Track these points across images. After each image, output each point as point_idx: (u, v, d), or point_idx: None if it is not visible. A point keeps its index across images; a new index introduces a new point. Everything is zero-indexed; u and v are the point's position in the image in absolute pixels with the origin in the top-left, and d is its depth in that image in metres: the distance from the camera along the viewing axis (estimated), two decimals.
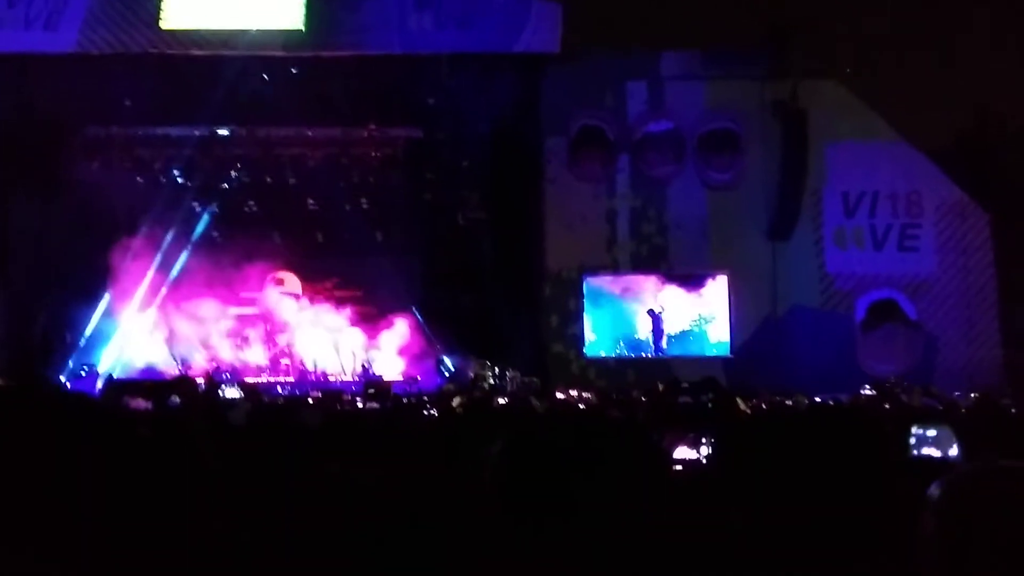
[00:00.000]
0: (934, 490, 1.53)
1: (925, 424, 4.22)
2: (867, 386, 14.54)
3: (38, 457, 1.44)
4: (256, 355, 19.49)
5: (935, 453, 4.24)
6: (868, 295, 18.28)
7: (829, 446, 1.93)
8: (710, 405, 9.71)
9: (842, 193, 18.47)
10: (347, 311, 19.71)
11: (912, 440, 4.20)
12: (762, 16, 19.09)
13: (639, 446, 1.72)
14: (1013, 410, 10.31)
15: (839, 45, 18.20)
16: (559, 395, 13.78)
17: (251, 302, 19.56)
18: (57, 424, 1.48)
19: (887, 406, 11.13)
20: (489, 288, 17.80)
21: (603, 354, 18.53)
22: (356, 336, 19.74)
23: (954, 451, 4.32)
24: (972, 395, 13.11)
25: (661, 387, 13.72)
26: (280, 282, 19.76)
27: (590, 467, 1.77)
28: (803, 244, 18.42)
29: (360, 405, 11.58)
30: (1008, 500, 1.46)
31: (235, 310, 19.45)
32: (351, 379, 18.60)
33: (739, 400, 10.09)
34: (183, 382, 14.10)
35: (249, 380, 17.74)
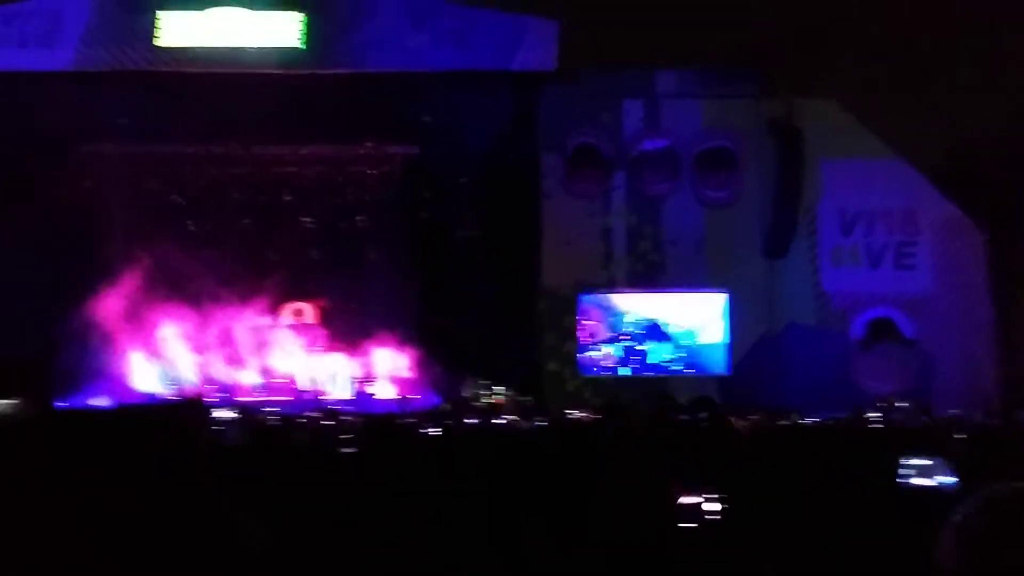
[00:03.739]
0: (956, 517, 1.50)
1: (915, 454, 4.13)
2: (860, 406, 14.40)
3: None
4: (249, 375, 19.36)
5: (926, 483, 4.15)
6: (865, 313, 18.25)
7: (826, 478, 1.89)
8: (703, 425, 9.61)
9: (838, 211, 18.48)
10: (341, 330, 19.61)
11: (901, 471, 4.11)
12: (756, 35, 19.16)
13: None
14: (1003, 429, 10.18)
15: (834, 63, 18.27)
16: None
17: (246, 321, 19.46)
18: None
19: (877, 427, 11.01)
20: (485, 306, 17.73)
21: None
22: (350, 356, 19.65)
23: (947, 480, 4.22)
24: (973, 419, 13.00)
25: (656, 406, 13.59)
26: (299, 313, 19.85)
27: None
28: (800, 262, 18.40)
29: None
30: None
31: (230, 329, 19.34)
32: (345, 399, 18.46)
33: (733, 419, 10.01)
34: (194, 405, 14.02)
35: (241, 400, 17.61)
